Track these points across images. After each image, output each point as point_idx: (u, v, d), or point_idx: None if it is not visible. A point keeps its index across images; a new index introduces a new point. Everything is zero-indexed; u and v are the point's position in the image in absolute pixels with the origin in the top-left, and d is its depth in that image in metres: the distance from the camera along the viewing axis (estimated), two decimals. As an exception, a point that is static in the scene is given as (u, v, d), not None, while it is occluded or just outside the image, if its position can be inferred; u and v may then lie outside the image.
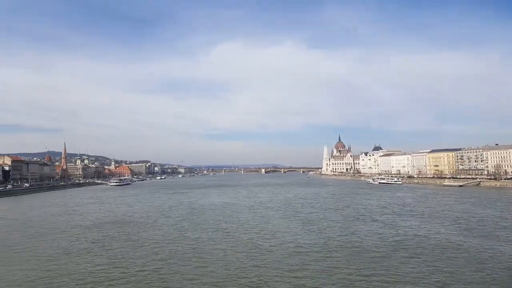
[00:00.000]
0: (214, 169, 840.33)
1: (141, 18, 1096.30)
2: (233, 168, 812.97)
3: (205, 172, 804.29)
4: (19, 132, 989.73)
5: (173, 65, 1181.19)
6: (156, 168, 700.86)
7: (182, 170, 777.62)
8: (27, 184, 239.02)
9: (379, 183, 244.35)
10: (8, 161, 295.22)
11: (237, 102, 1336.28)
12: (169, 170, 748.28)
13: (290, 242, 57.24)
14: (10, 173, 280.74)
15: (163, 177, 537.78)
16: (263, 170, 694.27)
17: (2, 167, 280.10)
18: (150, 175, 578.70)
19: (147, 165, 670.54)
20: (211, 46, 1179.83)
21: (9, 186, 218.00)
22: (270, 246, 54.64)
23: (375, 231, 66.32)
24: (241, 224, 76.24)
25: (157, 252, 52.00)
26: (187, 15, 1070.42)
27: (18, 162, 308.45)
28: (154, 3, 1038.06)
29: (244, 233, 65.66)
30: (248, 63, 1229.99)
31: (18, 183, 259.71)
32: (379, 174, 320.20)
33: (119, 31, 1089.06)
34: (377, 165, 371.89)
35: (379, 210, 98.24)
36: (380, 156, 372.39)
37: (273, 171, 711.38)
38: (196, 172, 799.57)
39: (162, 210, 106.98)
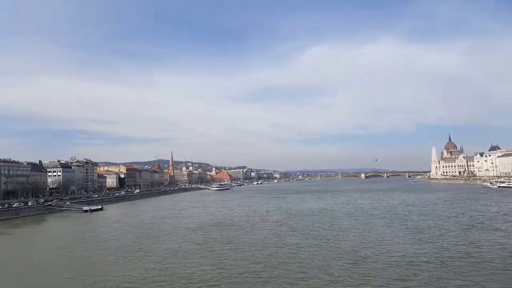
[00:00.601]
0: (309, 174, 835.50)
1: (229, 31, 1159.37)
2: (329, 173, 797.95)
3: (300, 177, 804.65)
4: (131, 143, 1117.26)
5: (265, 73, 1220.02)
6: (252, 174, 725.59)
7: (277, 175, 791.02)
8: (137, 190, 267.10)
9: (499, 187, 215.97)
10: (123, 169, 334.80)
11: (332, 105, 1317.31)
12: (264, 175, 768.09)
13: (397, 251, 53.48)
14: (125, 180, 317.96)
15: (259, 182, 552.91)
16: (362, 175, 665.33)
17: (119, 175, 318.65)
18: (247, 180, 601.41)
19: (244, 171, 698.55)
20: (301, 51, 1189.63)
21: (123, 192, 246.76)
22: (375, 255, 51.72)
23: (496, 241, 58.36)
24: (341, 231, 73.86)
25: (257, 256, 53.17)
26: (276, 23, 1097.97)
27: (132, 170, 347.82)
28: (242, 16, 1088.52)
29: (345, 241, 63.41)
30: (341, 65, 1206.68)
31: (132, 189, 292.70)
32: (498, 176, 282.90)
33: (211, 44, 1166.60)
34: (495, 167, 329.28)
35: (501, 218, 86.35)
36: (498, 156, 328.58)
37: (374, 175, 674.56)
38: (291, 177, 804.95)
39: (260, 215, 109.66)
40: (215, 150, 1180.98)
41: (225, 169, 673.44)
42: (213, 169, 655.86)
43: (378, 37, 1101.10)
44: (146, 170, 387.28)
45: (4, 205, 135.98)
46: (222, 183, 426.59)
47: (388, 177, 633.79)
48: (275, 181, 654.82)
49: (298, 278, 41.24)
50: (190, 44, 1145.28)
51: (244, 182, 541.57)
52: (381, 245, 58.72)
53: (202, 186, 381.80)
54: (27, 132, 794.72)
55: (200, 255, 55.43)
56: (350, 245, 59.18)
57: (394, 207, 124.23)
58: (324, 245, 60.22)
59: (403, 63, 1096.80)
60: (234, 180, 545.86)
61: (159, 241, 69.41)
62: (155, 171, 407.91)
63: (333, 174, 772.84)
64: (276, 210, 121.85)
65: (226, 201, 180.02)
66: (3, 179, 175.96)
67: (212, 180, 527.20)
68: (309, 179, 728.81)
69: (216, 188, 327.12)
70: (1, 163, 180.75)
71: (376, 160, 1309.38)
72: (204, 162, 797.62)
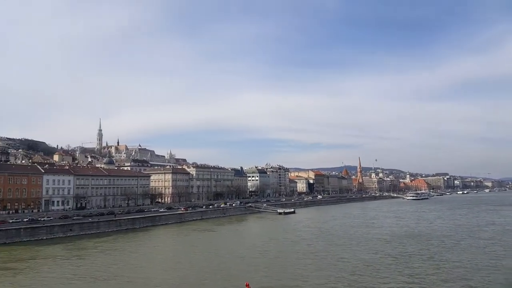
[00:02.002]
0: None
1: (417, 23, 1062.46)
2: None
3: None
4: (319, 149, 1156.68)
5: (462, 66, 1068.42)
6: (456, 182, 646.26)
7: (489, 184, 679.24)
8: (320, 196, 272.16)
9: None
10: (312, 175, 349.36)
11: None
12: (472, 183, 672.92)
13: None
14: (314, 186, 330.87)
15: (465, 192, 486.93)
16: None
17: (308, 180, 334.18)
18: (449, 189, 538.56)
19: (445, 178, 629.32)
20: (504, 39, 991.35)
21: (310, 197, 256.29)
22: None
23: None
24: None
25: (467, 278, 45.51)
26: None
27: (320, 176, 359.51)
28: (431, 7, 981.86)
29: None
30: None
31: (321, 194, 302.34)
32: None
33: (399, 40, 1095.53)
34: None
35: None
36: None
37: None
38: (508, 186, 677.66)
39: (468, 230, 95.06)
40: (408, 155, 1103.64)
41: (421, 176, 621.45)
42: (407, 176, 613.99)
43: None
44: (333, 176, 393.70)
45: (214, 205, 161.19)
46: (419, 191, 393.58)
47: None
48: (486, 190, 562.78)
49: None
50: (381, 44, 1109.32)
51: (445, 191, 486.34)
52: None
53: (395, 195, 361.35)
54: (230, 142, 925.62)
55: (396, 269, 51.25)
56: None
57: None
58: None
59: None
60: (432, 189, 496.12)
61: (349, 249, 68.08)
62: (342, 177, 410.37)
63: None
64: (488, 225, 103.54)
65: (423, 212, 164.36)
66: (213, 182, 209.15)
67: (406, 188, 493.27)
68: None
69: (411, 197, 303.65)
70: (211, 169, 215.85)
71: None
72: (395, 168, 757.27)
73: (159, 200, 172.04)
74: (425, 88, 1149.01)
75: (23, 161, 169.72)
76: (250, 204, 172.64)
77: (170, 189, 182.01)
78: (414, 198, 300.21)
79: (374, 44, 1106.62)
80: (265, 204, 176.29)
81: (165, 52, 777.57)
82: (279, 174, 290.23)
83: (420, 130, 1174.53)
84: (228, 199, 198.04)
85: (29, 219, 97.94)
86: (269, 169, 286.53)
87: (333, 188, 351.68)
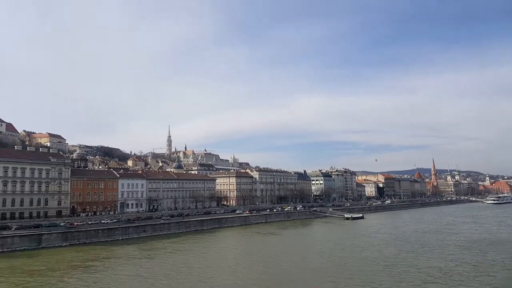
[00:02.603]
0: None
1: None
2: None
3: None
4: (389, 151, 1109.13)
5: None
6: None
7: None
8: (388, 201, 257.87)
9: None
10: (381, 178, 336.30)
11: None
12: None
13: None
14: (384, 189, 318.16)
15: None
16: None
17: (377, 184, 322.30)
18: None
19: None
20: None
21: (378, 202, 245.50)
22: None
23: None
24: None
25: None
26: None
27: (390, 179, 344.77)
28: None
29: None
30: None
31: (391, 198, 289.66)
32: None
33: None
34: None
35: None
36: None
37: None
38: None
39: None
40: (487, 156, 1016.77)
41: (503, 179, 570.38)
42: (487, 178, 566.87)
43: None
44: (405, 180, 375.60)
45: (278, 208, 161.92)
46: (501, 195, 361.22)
47: None
48: None
49: None
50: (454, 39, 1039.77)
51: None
52: None
53: (473, 198, 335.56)
54: (292, 146, 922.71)
55: (476, 279, 47.77)
56: None
57: None
58: None
59: None
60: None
61: (422, 256, 64.62)
62: (415, 181, 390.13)
63: None
64: None
65: (507, 217, 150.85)
66: (276, 186, 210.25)
67: (486, 191, 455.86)
68: None
69: (492, 201, 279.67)
70: (274, 173, 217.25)
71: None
72: (473, 170, 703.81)
73: (225, 203, 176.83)
74: (507, 84, 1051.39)
75: (100, 167, 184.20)
76: (315, 208, 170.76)
77: (235, 192, 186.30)
78: (495, 202, 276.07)
79: (446, 39, 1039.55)
80: (331, 209, 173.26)
81: (228, 60, 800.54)
82: (345, 178, 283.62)
83: (501, 129, 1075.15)
84: (292, 202, 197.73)
85: (126, 219, 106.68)
86: (334, 173, 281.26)
87: (404, 192, 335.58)
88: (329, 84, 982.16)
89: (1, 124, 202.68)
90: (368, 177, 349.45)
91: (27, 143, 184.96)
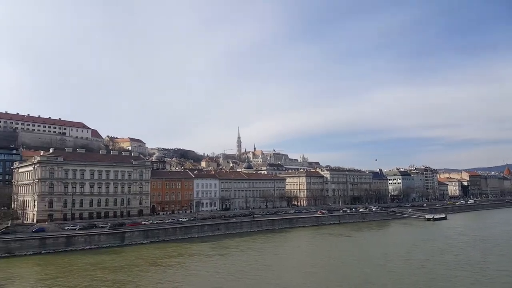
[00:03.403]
0: None
1: None
2: None
3: None
4: (474, 147, 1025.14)
5: None
6: None
7: None
8: (471, 201, 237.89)
9: None
10: (466, 176, 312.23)
11: None
12: None
13: None
14: (469, 188, 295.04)
15: None
16: None
17: (461, 182, 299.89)
18: None
19: None
20: None
21: (462, 201, 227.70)
22: None
23: None
24: None
25: None
26: None
27: (476, 177, 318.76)
28: None
29: None
30: None
31: (477, 197, 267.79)
32: None
33: None
34: None
35: None
36: None
37: None
38: None
39: None
40: None
41: None
42: None
43: None
44: (493, 177, 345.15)
45: (352, 209, 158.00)
46: None
47: None
48: None
49: None
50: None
51: None
52: None
53: None
54: (365, 143, 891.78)
55: None
56: None
57: None
58: None
59: None
60: None
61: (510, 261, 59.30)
62: (504, 178, 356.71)
63: None
64: None
65: None
66: (350, 186, 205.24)
67: None
68: None
69: None
70: (347, 172, 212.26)
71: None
72: None
73: (295, 203, 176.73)
74: None
75: (176, 168, 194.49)
76: (392, 209, 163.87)
77: (305, 192, 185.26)
78: None
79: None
80: (410, 209, 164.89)
81: (297, 59, 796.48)
82: (426, 176, 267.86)
83: None
84: (367, 203, 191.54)
85: (201, 218, 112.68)
86: (413, 171, 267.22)
87: (492, 190, 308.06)
88: (405, 76, 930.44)
89: (87, 131, 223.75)
90: (451, 175, 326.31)
91: (110, 147, 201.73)
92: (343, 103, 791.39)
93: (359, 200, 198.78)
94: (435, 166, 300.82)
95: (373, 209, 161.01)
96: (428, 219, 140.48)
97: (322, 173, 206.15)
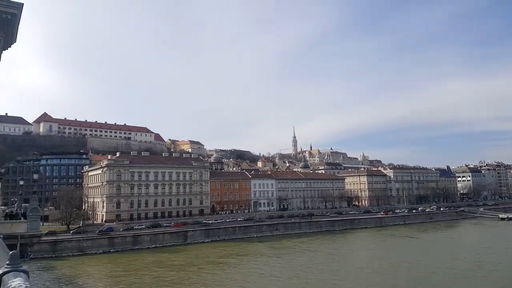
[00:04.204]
0: None
1: None
2: None
3: None
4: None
5: None
6: None
7: None
8: None
9: None
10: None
11: None
12: None
13: None
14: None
15: None
16: None
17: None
18: None
19: None
20: None
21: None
22: None
23: None
24: None
25: None
26: None
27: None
28: None
29: None
30: None
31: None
32: None
33: None
34: None
35: None
36: None
37: None
38: None
39: None
40: None
41: None
42: None
43: None
44: None
45: (418, 209, 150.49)
46: None
47: None
48: None
49: None
50: None
51: None
52: None
53: None
54: (431, 139, 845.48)
55: None
56: None
57: None
58: None
59: None
60: None
61: None
62: None
63: None
64: None
65: None
66: (415, 184, 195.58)
67: None
68: None
69: None
70: (411, 170, 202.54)
71: None
72: None
73: (356, 203, 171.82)
74: None
75: (234, 169, 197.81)
76: (462, 208, 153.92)
77: (366, 192, 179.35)
78: None
79: None
80: (481, 208, 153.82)
81: (352, 53, 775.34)
82: (498, 173, 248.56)
83: None
84: (434, 202, 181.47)
85: (259, 218, 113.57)
86: (483, 167, 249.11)
87: None
88: (476, 65, 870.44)
89: (151, 135, 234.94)
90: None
91: (172, 150, 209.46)
92: (404, 96, 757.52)
93: (425, 199, 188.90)
94: (508, 161, 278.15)
95: (441, 209, 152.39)
96: (502, 219, 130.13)
97: (384, 171, 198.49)
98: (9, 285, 3.93)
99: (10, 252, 4.67)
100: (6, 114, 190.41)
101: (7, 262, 4.46)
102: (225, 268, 60.64)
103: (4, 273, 4.29)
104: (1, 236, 14.73)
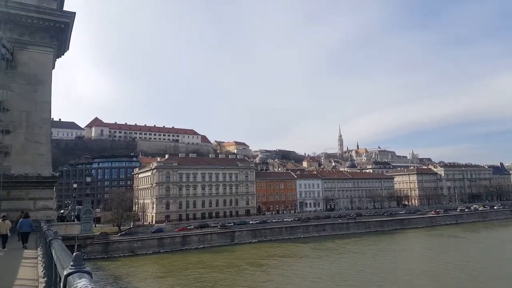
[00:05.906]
0: None
1: None
2: None
3: None
4: None
5: None
6: None
7: None
8: None
9: None
10: None
11: None
12: None
13: None
14: None
15: None
16: None
17: None
18: None
19: None
20: None
21: None
22: None
23: None
24: None
25: None
26: None
27: None
28: None
29: None
30: None
31: None
32: None
33: None
34: None
35: None
36: None
37: None
38: None
39: None
40: None
41: None
42: None
43: None
44: None
45: (470, 208, 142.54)
46: None
47: None
48: None
49: None
50: None
51: None
52: None
53: None
54: (484, 135, 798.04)
55: None
56: None
57: None
58: None
59: None
60: None
61: None
62: None
63: None
64: None
65: None
66: (467, 183, 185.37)
67: None
68: None
69: None
70: (463, 168, 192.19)
71: None
72: None
73: (405, 203, 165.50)
74: None
75: (279, 169, 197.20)
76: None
77: (416, 191, 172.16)
78: None
79: None
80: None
81: (400, 48, 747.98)
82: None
83: None
84: (487, 201, 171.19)
85: (306, 218, 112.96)
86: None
87: None
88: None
89: (197, 137, 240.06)
90: None
91: (218, 151, 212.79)
92: (455, 92, 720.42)
93: (478, 198, 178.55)
94: None
95: (494, 207, 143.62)
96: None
97: (435, 170, 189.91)
98: (75, 286, 3.99)
99: (74, 253, 4.77)
100: (60, 119, 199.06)
101: (71, 263, 4.54)
102: (264, 270, 60.84)
103: (69, 274, 4.37)
104: (61, 238, 15.50)
